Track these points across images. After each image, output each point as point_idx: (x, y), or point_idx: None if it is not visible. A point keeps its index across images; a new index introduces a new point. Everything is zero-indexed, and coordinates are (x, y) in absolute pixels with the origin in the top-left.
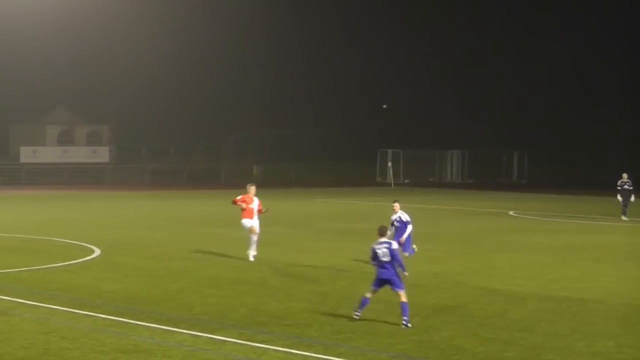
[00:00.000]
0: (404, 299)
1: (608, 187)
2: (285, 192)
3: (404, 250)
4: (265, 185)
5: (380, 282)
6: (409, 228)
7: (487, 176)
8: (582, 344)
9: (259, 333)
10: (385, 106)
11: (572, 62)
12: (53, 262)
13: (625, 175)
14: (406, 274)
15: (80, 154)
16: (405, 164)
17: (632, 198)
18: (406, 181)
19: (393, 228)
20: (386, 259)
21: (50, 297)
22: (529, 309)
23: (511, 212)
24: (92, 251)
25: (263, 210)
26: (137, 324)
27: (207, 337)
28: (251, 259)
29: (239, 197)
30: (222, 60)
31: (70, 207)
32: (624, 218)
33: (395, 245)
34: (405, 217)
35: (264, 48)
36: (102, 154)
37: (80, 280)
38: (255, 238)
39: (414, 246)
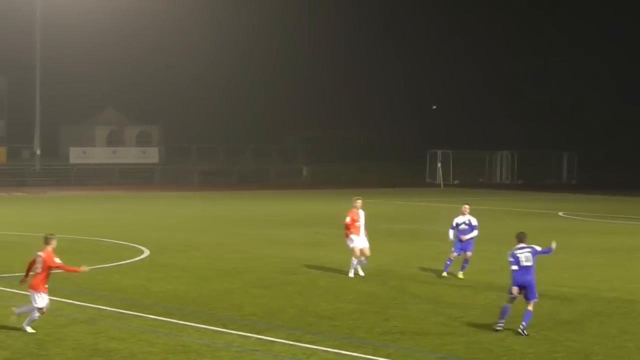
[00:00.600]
0: (531, 307)
1: None
2: (335, 192)
3: (461, 250)
4: (314, 186)
5: (520, 289)
6: (475, 232)
7: (536, 177)
8: (631, 344)
9: (307, 334)
10: (435, 107)
11: (626, 59)
12: (102, 262)
13: None
14: (554, 245)
15: (130, 155)
16: (454, 164)
17: None
18: (456, 182)
19: (457, 229)
20: (529, 263)
21: (99, 298)
22: (578, 309)
23: (560, 213)
24: (142, 252)
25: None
26: (185, 324)
27: (255, 337)
28: (358, 273)
29: (348, 220)
30: (271, 61)
31: (119, 207)
32: None
33: (538, 247)
34: (474, 221)
35: (314, 49)
36: (151, 155)
37: (129, 280)
38: (363, 261)
39: (456, 253)
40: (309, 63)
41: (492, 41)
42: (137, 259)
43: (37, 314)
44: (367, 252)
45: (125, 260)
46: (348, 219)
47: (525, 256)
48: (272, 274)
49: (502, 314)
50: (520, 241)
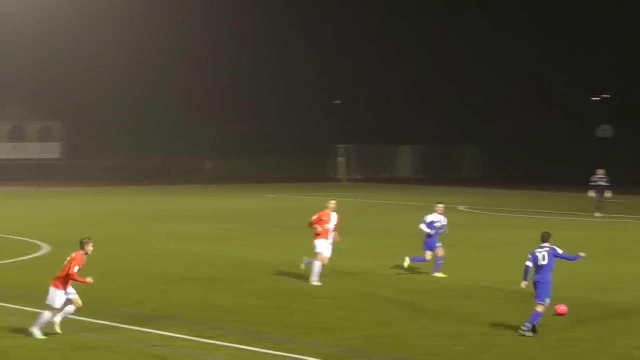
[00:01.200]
0: (540, 309)
1: (560, 183)
2: (238, 187)
3: (430, 249)
4: (218, 181)
5: (536, 286)
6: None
7: (439, 171)
8: (530, 337)
9: (209, 329)
10: (337, 102)
11: (530, 58)
12: (1, 259)
13: (600, 172)
14: (582, 254)
15: (31, 150)
16: (357, 159)
17: (609, 194)
18: (359, 177)
19: (433, 227)
20: (544, 262)
21: None
22: (479, 303)
23: (461, 207)
24: (42, 248)
25: (337, 239)
26: (87, 321)
27: (158, 333)
28: (315, 283)
29: (315, 217)
30: (173, 55)
31: (21, 203)
32: (597, 215)
33: (560, 250)
34: (445, 220)
35: (216, 42)
36: (53, 150)
37: (28, 277)
38: (318, 266)
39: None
40: (212, 56)
41: (395, 34)
42: (37, 255)
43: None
44: (326, 259)
45: (25, 256)
46: (315, 217)
47: (542, 255)
48: (175, 270)
49: (532, 317)
50: (545, 241)
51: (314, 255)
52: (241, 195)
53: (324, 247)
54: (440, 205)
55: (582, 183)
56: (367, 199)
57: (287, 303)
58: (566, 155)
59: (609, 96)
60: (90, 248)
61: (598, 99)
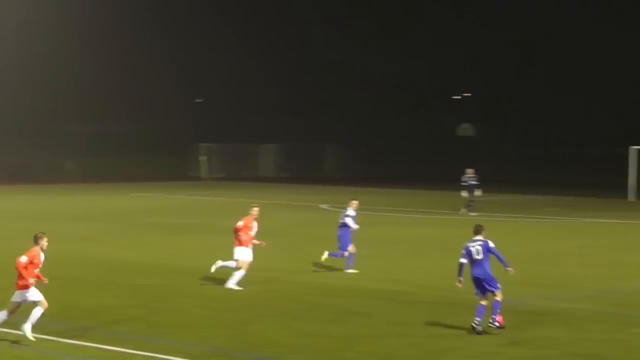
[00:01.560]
0: (499, 297)
1: (420, 181)
2: (101, 186)
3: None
4: (79, 180)
5: (477, 282)
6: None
7: (301, 170)
8: (393, 335)
9: (71, 329)
10: (199, 100)
11: (389, 57)
12: None
13: (470, 171)
14: (509, 269)
15: None
16: (219, 158)
17: (479, 193)
18: (220, 175)
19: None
20: (479, 257)
21: None
22: (341, 301)
23: (323, 206)
24: None
25: (263, 244)
26: None
27: (17, 333)
28: (232, 286)
29: (240, 224)
30: (36, 54)
31: None
32: (472, 214)
33: (492, 243)
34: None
35: (80, 41)
36: None
37: None
38: (241, 274)
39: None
40: (76, 56)
41: (256, 34)
42: None
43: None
44: (246, 265)
45: None
46: (241, 224)
47: (476, 249)
48: None
49: (478, 313)
50: (477, 233)
51: (231, 260)
52: (104, 194)
53: (245, 254)
54: (355, 202)
55: (444, 180)
56: (229, 197)
57: (150, 302)
58: (428, 153)
59: (469, 94)
60: (44, 242)
61: (459, 97)
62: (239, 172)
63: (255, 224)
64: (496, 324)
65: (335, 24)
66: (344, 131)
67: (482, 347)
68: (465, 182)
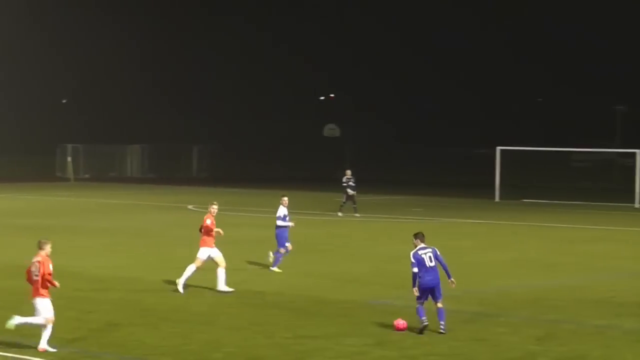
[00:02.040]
0: (441, 305)
1: (290, 181)
2: None
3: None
4: None
5: (429, 291)
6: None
7: (168, 170)
8: (260, 336)
9: None
10: (64, 101)
11: (255, 60)
12: None
13: (348, 172)
14: (452, 280)
15: None
16: (85, 158)
17: (351, 193)
18: (86, 176)
19: (284, 220)
20: (432, 263)
21: None
22: (209, 302)
23: (190, 206)
24: None
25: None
26: None
27: None
28: (222, 288)
29: (208, 222)
30: None
31: None
32: (356, 215)
33: (438, 252)
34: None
35: None
36: None
37: None
38: (222, 272)
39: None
40: None
41: (125, 35)
42: None
43: (44, 326)
44: (223, 262)
45: None
46: (209, 222)
47: (429, 257)
48: None
49: (419, 314)
50: (422, 241)
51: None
52: None
53: (213, 252)
54: (285, 198)
55: (315, 181)
56: (95, 198)
57: (15, 304)
58: (295, 153)
59: (332, 95)
60: (49, 248)
61: (322, 98)
62: (105, 173)
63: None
64: (445, 329)
65: (207, 23)
66: (212, 132)
67: (349, 347)
68: (346, 183)
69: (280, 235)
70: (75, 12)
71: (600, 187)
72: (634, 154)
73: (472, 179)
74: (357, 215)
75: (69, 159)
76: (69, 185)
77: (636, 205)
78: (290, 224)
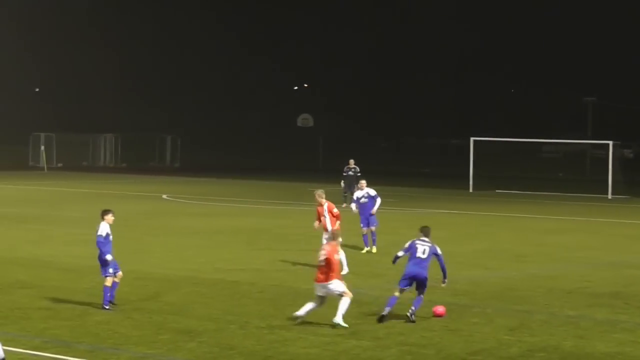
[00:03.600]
0: (422, 296)
1: (267, 171)
2: None
3: (373, 224)
4: None
5: (411, 280)
6: (379, 200)
7: (141, 160)
8: (234, 326)
9: None
10: (37, 89)
11: (234, 49)
12: None
13: (351, 162)
14: (445, 281)
15: None
16: (58, 148)
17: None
18: (59, 165)
19: (359, 203)
20: (423, 256)
21: None
22: (183, 292)
23: (164, 196)
24: None
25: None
26: None
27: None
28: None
29: (335, 210)
30: None
31: None
32: (346, 206)
33: (439, 250)
34: (373, 191)
35: None
36: None
37: None
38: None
39: (365, 228)
40: None
41: (100, 24)
42: None
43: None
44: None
45: None
46: (335, 210)
47: (424, 249)
48: None
49: (389, 302)
50: (426, 235)
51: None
52: None
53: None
54: (363, 181)
55: (292, 171)
56: (68, 187)
57: None
58: (269, 144)
59: (306, 85)
60: (340, 239)
61: (296, 88)
62: (78, 162)
63: (325, 205)
64: (413, 317)
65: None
66: (185, 122)
67: (323, 337)
68: (345, 172)
69: (362, 216)
70: (43, 2)
71: (572, 178)
72: (606, 145)
73: (446, 170)
74: (344, 205)
75: (42, 148)
76: (42, 174)
77: (609, 196)
78: (352, 209)
